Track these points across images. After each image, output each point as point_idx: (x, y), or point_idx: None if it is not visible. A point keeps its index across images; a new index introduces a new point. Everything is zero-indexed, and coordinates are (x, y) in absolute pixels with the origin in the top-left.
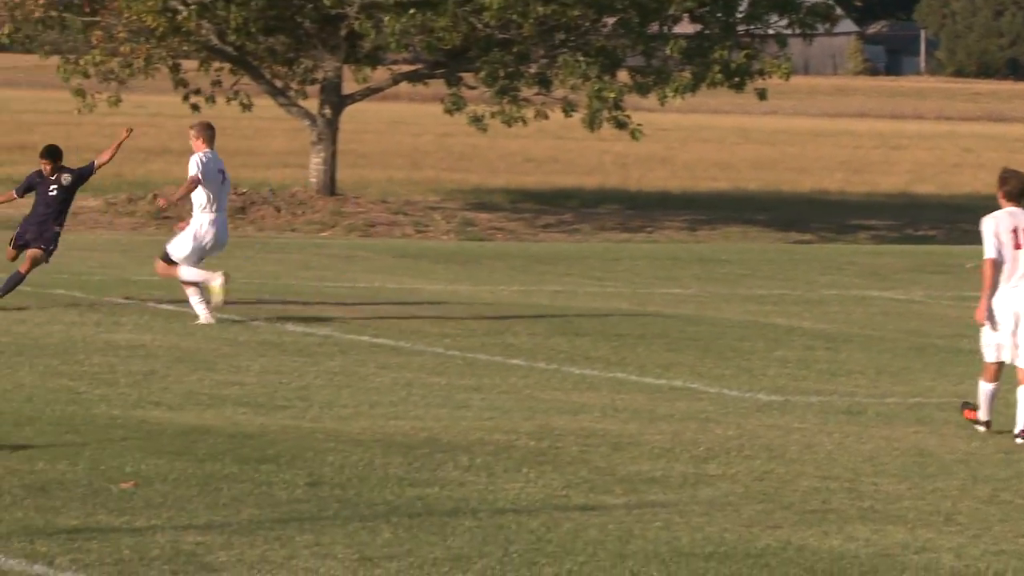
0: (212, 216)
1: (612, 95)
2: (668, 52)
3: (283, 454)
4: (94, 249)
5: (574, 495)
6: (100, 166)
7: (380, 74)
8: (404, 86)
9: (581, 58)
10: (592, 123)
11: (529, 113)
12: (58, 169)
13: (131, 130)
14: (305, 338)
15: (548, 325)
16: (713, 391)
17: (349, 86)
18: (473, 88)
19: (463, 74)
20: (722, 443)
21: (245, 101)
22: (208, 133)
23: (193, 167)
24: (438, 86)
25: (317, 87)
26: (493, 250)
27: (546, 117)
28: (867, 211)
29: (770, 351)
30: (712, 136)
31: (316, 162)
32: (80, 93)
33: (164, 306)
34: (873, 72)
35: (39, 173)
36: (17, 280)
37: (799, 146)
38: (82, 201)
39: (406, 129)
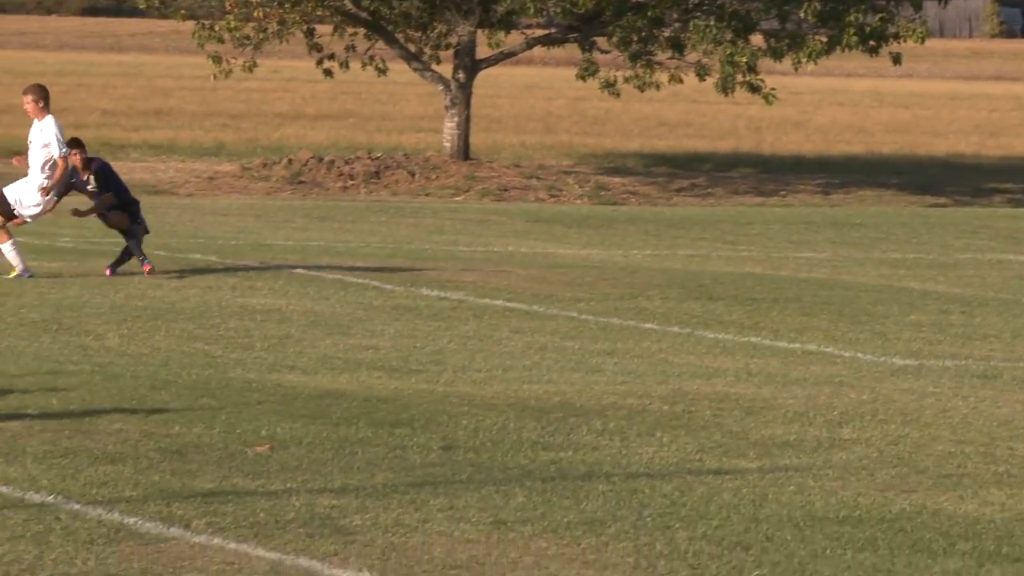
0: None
1: (744, 60)
2: (802, 16)
3: (417, 418)
4: (229, 214)
5: (707, 459)
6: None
7: (513, 39)
8: (538, 50)
9: (714, 22)
10: (725, 88)
11: (663, 77)
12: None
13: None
14: (439, 302)
15: (681, 289)
16: (847, 355)
17: (483, 51)
18: (606, 52)
19: (596, 38)
20: (856, 407)
21: (380, 66)
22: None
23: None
24: (572, 50)
25: (451, 52)
26: (626, 214)
27: (680, 81)
28: (1003, 174)
29: (904, 315)
30: (846, 100)
31: (450, 127)
32: (216, 59)
33: (299, 270)
34: (1009, 35)
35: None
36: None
37: (934, 109)
38: (217, 166)
39: (539, 93)
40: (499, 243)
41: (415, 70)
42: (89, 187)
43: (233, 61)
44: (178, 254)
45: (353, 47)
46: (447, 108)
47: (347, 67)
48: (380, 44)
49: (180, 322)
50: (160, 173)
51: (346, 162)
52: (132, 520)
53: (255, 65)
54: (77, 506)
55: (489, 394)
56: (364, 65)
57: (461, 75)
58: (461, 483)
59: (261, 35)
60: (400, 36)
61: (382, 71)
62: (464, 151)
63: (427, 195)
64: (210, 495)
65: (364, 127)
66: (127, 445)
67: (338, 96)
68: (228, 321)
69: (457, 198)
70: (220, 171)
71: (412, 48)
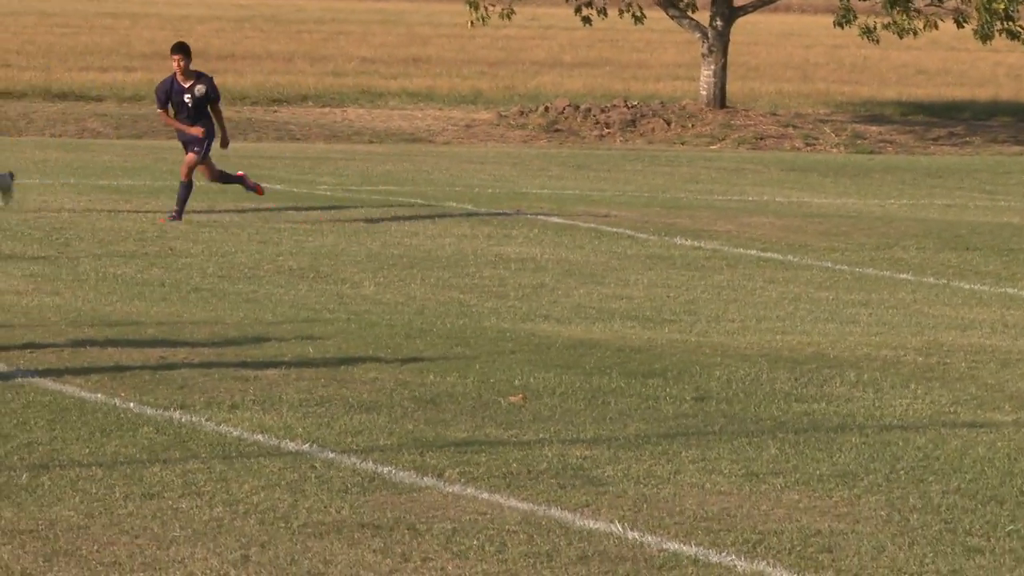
0: None
1: (1002, 6)
2: None
3: (670, 368)
4: (485, 162)
5: (962, 412)
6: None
7: None
8: None
9: None
10: (984, 35)
11: (920, 24)
12: (192, 75)
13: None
14: (693, 252)
15: (937, 239)
16: None
17: None
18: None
19: None
20: None
21: (637, 13)
22: None
23: None
24: None
25: None
26: (883, 163)
27: (935, 27)
28: None
29: None
30: None
31: (706, 74)
32: (474, 5)
33: (554, 219)
34: None
35: (171, 80)
36: (183, 191)
37: None
38: (474, 114)
39: (797, 41)
40: (754, 192)
41: (672, 17)
42: (187, 96)
43: (491, 8)
44: (434, 202)
45: None
46: (704, 56)
47: (605, 14)
48: None
49: (435, 270)
50: (418, 121)
51: (602, 110)
52: (386, 469)
53: (512, 12)
54: (332, 455)
55: (742, 344)
56: (622, 12)
57: (718, 22)
58: (713, 434)
59: None
60: None
61: (639, 18)
62: (720, 99)
63: (682, 143)
64: (463, 445)
65: (620, 75)
66: (382, 394)
67: (595, 44)
68: (483, 270)
69: (713, 147)
70: (477, 119)
71: None
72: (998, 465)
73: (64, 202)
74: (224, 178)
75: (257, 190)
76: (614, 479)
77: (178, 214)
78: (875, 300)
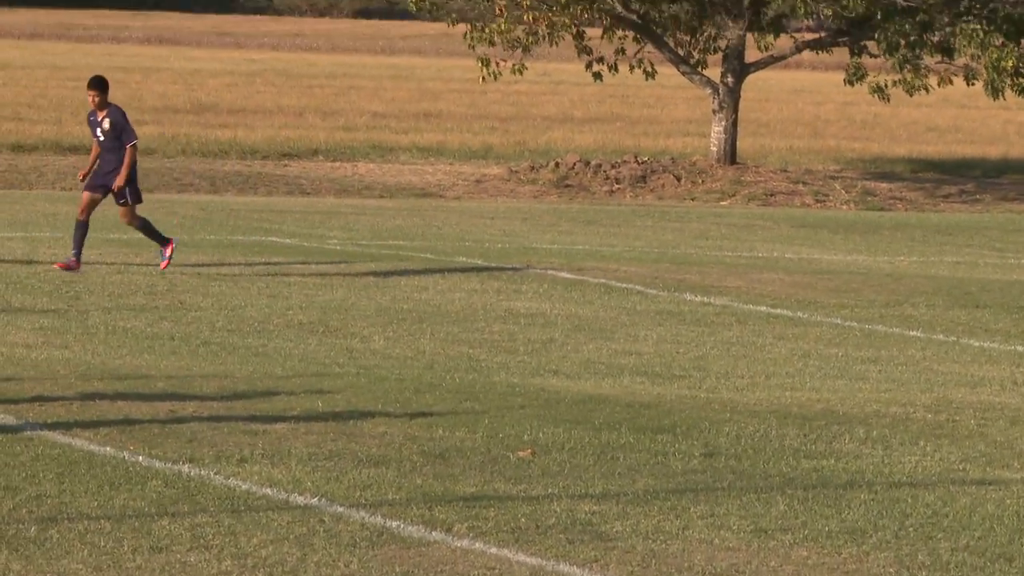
0: None
1: (1011, 64)
2: None
3: (679, 424)
4: (496, 217)
5: (971, 469)
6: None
7: (783, 42)
8: (807, 54)
9: (983, 27)
10: (994, 91)
11: (932, 81)
12: (105, 106)
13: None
14: (703, 308)
15: (947, 297)
16: None
17: (751, 54)
18: (875, 56)
19: (866, 42)
20: None
21: (648, 69)
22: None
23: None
24: (841, 54)
25: (719, 55)
26: (893, 220)
27: (950, 83)
28: None
29: None
30: None
31: (717, 130)
32: (485, 61)
33: (564, 274)
34: None
35: (92, 112)
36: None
37: None
38: (484, 169)
39: (808, 97)
40: (764, 248)
41: (683, 73)
42: (99, 130)
43: (502, 63)
44: (444, 257)
45: (622, 50)
46: (715, 112)
47: (616, 70)
48: (649, 47)
49: (445, 325)
50: (428, 176)
51: (613, 166)
52: (394, 523)
53: (524, 68)
54: (341, 508)
55: (751, 401)
56: (632, 68)
57: (729, 79)
58: (722, 490)
59: (531, 38)
60: (669, 39)
61: (650, 74)
62: (731, 155)
63: (693, 199)
64: (472, 499)
65: (631, 131)
66: (391, 448)
67: (606, 99)
68: (492, 324)
69: (723, 203)
70: (487, 174)
71: (681, 51)
72: (1007, 523)
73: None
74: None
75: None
76: (623, 534)
77: (165, 242)
78: (885, 357)
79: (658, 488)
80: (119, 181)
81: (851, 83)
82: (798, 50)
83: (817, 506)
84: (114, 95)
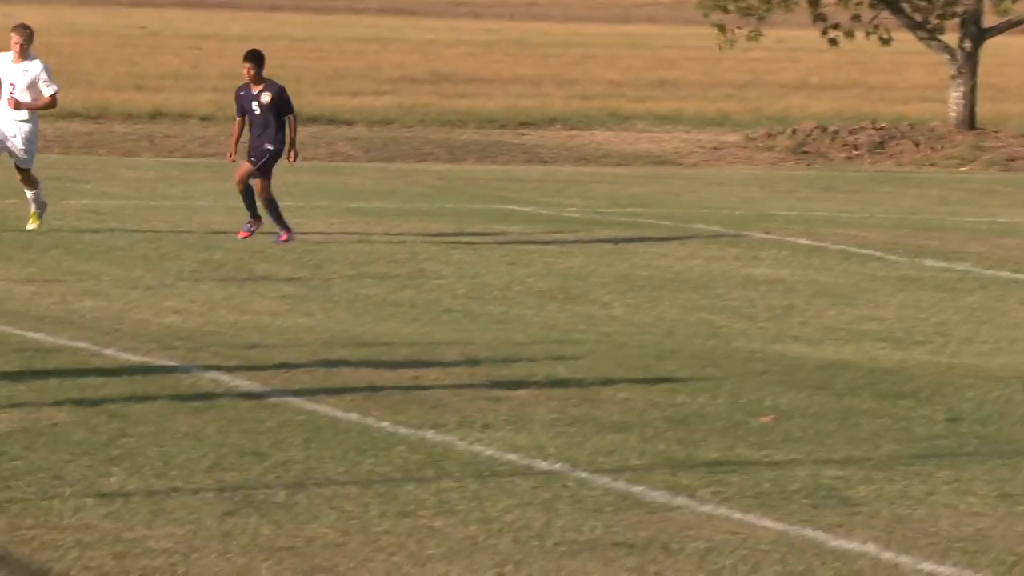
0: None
1: None
2: None
3: (921, 389)
4: (734, 184)
5: None
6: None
7: (1021, 7)
8: None
9: None
10: None
11: None
12: (261, 81)
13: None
14: (943, 273)
15: None
16: None
17: (989, 19)
18: None
19: None
20: None
21: (884, 35)
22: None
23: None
24: None
25: (957, 20)
26: None
27: None
28: None
29: None
30: None
31: (955, 96)
32: (721, 28)
33: (802, 240)
34: None
35: (244, 87)
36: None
37: None
38: (721, 136)
39: None
40: (1005, 213)
41: (920, 39)
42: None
43: (737, 31)
44: (682, 224)
45: (858, 16)
46: (952, 77)
47: (852, 36)
48: (885, 13)
49: (684, 292)
50: (665, 143)
51: (850, 132)
52: (638, 489)
53: (759, 35)
54: (584, 474)
55: (995, 366)
56: (868, 34)
57: (967, 44)
58: (967, 455)
59: (766, 5)
60: (905, 5)
61: (886, 41)
62: (970, 120)
63: (932, 165)
64: (715, 465)
65: (868, 97)
66: (633, 414)
67: (842, 66)
68: (732, 291)
69: (963, 168)
70: (724, 141)
71: (917, 17)
72: None
73: (316, 224)
74: (249, 198)
75: (247, 233)
76: (867, 500)
77: (286, 229)
78: None
79: (902, 453)
80: (292, 156)
81: None
82: None
83: None
84: (351, 65)
